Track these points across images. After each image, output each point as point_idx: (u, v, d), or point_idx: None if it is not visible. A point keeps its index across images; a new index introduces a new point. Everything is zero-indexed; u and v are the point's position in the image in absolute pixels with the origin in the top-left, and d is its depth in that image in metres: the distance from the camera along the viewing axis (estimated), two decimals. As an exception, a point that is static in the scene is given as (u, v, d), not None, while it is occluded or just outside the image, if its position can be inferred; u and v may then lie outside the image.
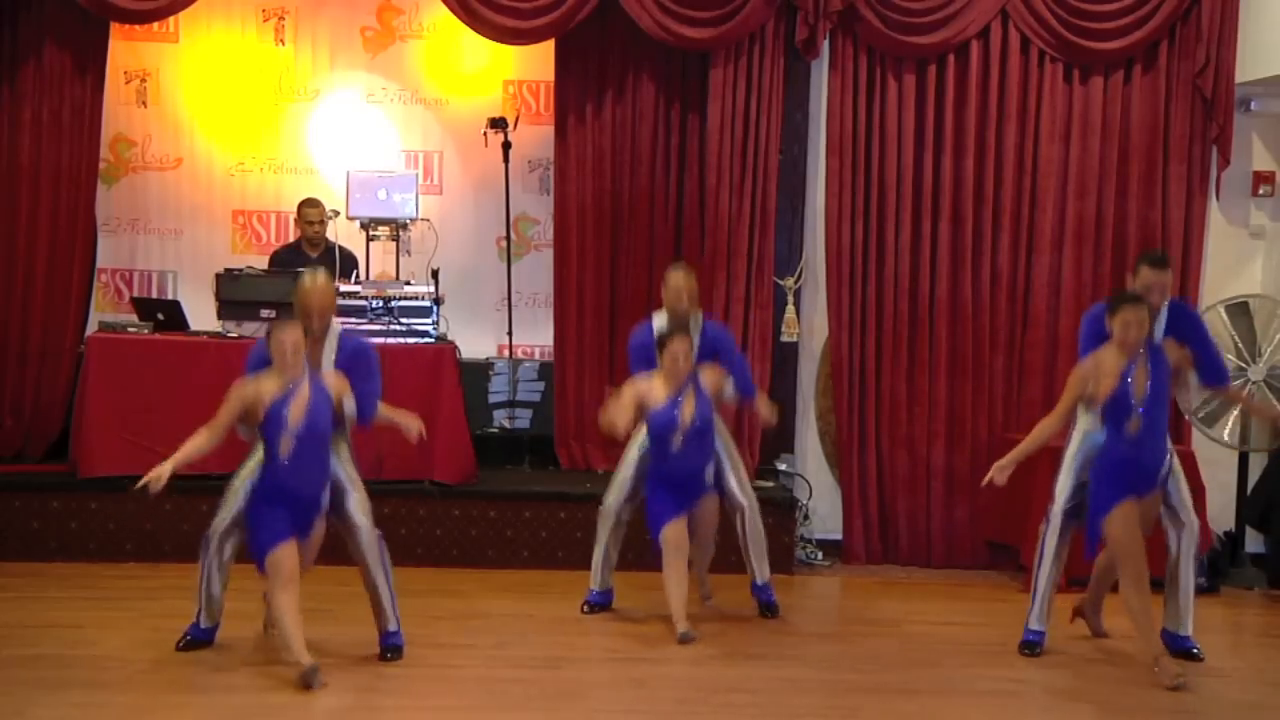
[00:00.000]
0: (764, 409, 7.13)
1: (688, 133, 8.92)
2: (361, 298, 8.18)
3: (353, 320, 7.97)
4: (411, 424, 6.21)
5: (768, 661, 6.35)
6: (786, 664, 6.34)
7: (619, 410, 6.61)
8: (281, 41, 9.41)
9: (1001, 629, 6.85)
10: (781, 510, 8.19)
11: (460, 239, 9.31)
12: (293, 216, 9.01)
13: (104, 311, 9.10)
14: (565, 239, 8.99)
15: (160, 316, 8.25)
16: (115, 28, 8.78)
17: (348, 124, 9.43)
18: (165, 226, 9.40)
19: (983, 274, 8.68)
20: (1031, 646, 6.54)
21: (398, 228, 8.67)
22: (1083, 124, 8.67)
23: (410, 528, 7.98)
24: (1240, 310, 8.25)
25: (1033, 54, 8.64)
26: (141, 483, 5.63)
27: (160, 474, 5.62)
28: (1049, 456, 6.77)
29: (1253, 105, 8.78)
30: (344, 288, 8.10)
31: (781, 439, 8.80)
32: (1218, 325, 8.04)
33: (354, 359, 6.14)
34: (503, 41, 8.81)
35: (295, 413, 5.74)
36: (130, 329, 8.13)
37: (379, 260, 8.93)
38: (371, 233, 8.70)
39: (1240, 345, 8.18)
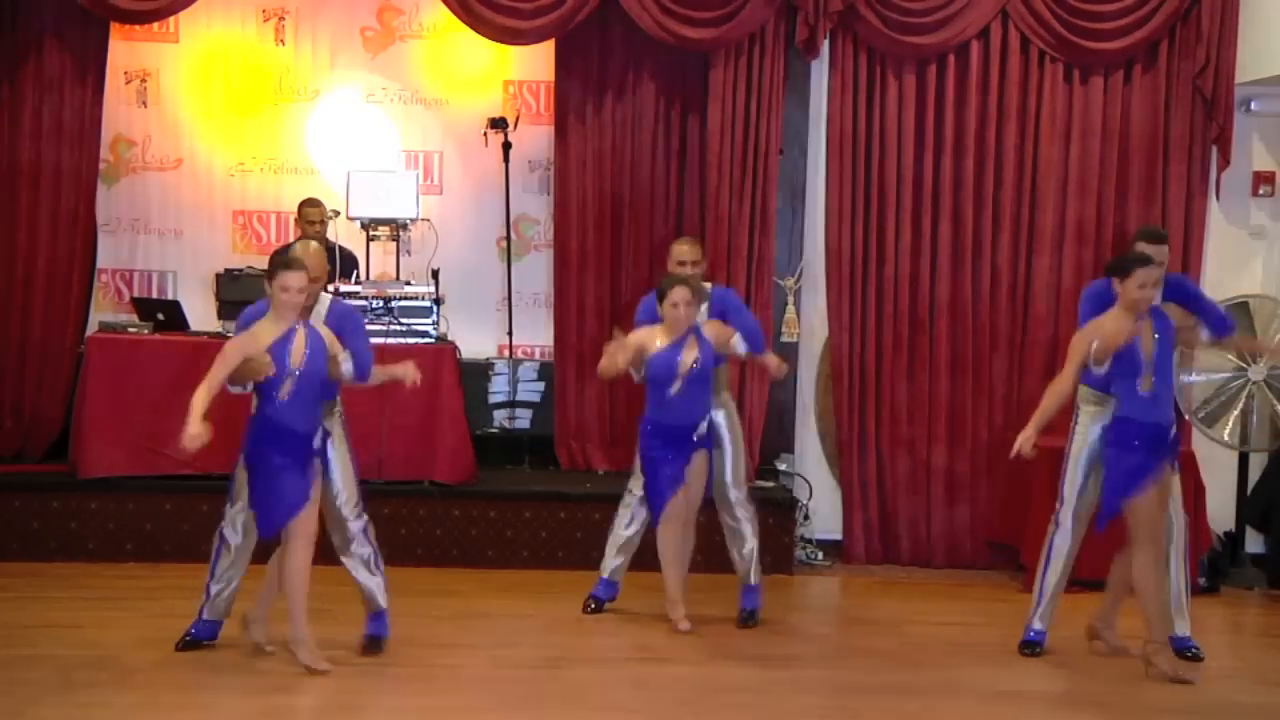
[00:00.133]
0: (772, 361, 7.03)
1: (688, 133, 8.93)
2: (362, 298, 8.17)
3: (353, 320, 7.97)
4: (408, 373, 6.23)
5: (768, 661, 6.35)
6: (786, 664, 6.35)
7: (619, 347, 6.60)
8: (281, 41, 9.41)
9: (1001, 629, 6.85)
10: (781, 510, 8.19)
11: (460, 239, 9.30)
12: (293, 217, 9.00)
13: (104, 311, 9.09)
14: (565, 239, 8.99)
15: (160, 316, 8.25)
16: (115, 28, 8.78)
17: (348, 124, 9.42)
18: (165, 227, 9.38)
19: (983, 274, 8.68)
20: (1032, 646, 6.54)
21: (398, 228, 8.67)
22: (1083, 124, 8.67)
23: (410, 528, 7.98)
24: (1240, 310, 8.24)
25: (1033, 54, 8.64)
26: (187, 446, 5.57)
27: (199, 433, 5.57)
28: (1051, 457, 6.76)
29: (1253, 105, 8.78)
30: (344, 288, 8.11)
31: (781, 439, 8.81)
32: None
33: (342, 319, 6.18)
34: (503, 41, 8.81)
35: (295, 355, 5.77)
36: (130, 329, 8.13)
37: (379, 260, 8.93)
38: (372, 233, 8.70)
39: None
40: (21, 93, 8.61)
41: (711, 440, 6.81)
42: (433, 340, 8.19)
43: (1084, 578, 6.81)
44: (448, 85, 9.49)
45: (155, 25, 9.01)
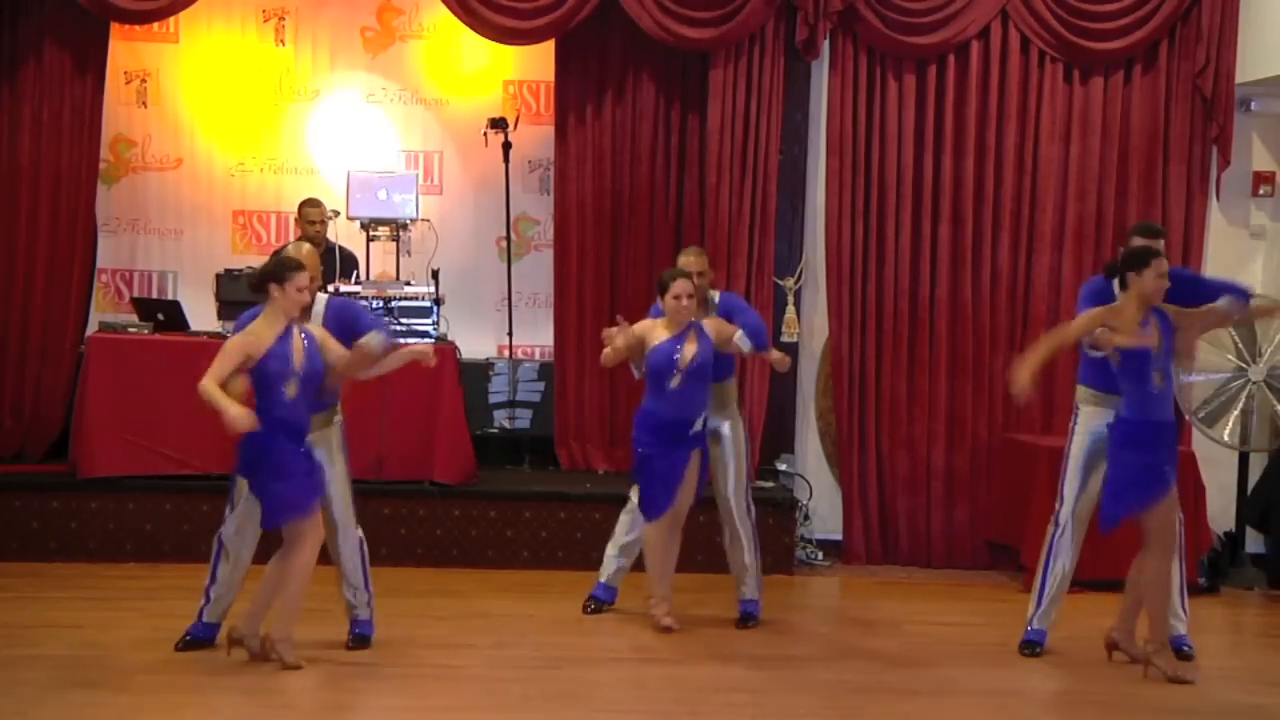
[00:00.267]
0: (775, 355, 6.93)
1: (688, 133, 8.92)
2: (362, 298, 8.17)
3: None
4: (424, 352, 6.25)
5: (768, 661, 6.35)
6: (786, 664, 6.34)
7: (619, 331, 6.59)
8: (281, 42, 9.40)
9: (1001, 629, 6.85)
10: (781, 510, 8.19)
11: (460, 239, 9.30)
12: (293, 217, 8.99)
13: (104, 311, 9.09)
14: (565, 239, 8.99)
15: (160, 316, 8.25)
16: (115, 28, 8.78)
17: (348, 124, 9.42)
18: (165, 226, 9.38)
19: (983, 274, 8.68)
20: (1032, 646, 6.53)
21: (398, 228, 8.67)
22: (1083, 124, 8.67)
23: (410, 528, 7.98)
24: (1240, 310, 8.25)
25: (1033, 54, 8.64)
26: (241, 426, 5.59)
27: (243, 411, 5.62)
28: (1050, 457, 6.76)
29: (1253, 105, 8.78)
30: (344, 288, 8.11)
31: (781, 439, 8.81)
32: (1218, 325, 8.03)
33: (342, 311, 6.21)
34: (503, 41, 8.82)
35: (297, 355, 5.79)
36: (130, 329, 8.13)
37: (379, 260, 8.93)
38: (372, 233, 8.71)
39: (1240, 345, 8.17)
40: (21, 93, 8.61)
41: (706, 439, 6.79)
42: (433, 340, 8.18)
43: (1084, 578, 6.81)
44: (448, 85, 9.49)
45: (155, 25, 9.01)
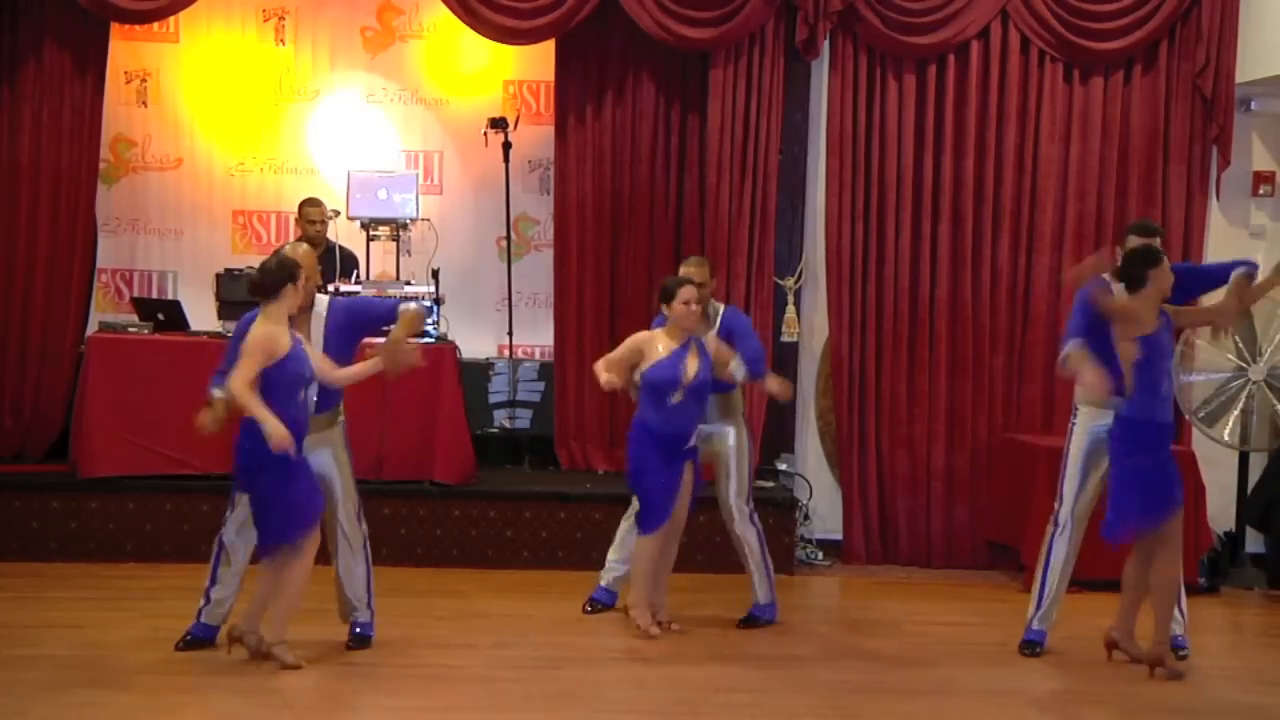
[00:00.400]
0: (773, 385, 6.90)
1: (688, 133, 8.92)
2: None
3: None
4: (415, 312, 6.18)
5: (768, 661, 6.36)
6: (786, 664, 6.34)
7: (607, 365, 6.56)
8: (281, 41, 9.40)
9: (1001, 629, 6.85)
10: (781, 510, 8.19)
11: (460, 239, 9.30)
12: (293, 216, 8.99)
13: (104, 311, 9.09)
14: (565, 239, 8.99)
15: (160, 316, 8.25)
16: (115, 28, 8.78)
17: (348, 124, 9.42)
18: (165, 226, 9.38)
19: (983, 274, 8.68)
20: (1032, 646, 6.53)
21: (398, 228, 8.68)
22: (1083, 124, 8.67)
23: (410, 528, 7.98)
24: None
25: (1033, 54, 8.65)
26: (278, 447, 5.56)
27: (288, 434, 5.59)
28: (1050, 457, 6.76)
29: (1253, 105, 8.78)
30: (344, 288, 8.11)
31: (781, 439, 8.81)
32: (1218, 325, 8.03)
33: (351, 310, 6.20)
34: (503, 41, 8.82)
35: (313, 359, 5.81)
36: (130, 329, 8.13)
37: (379, 260, 8.93)
38: (372, 233, 8.71)
39: (1240, 345, 8.17)
40: (21, 93, 8.61)
41: (698, 451, 6.76)
42: (432, 340, 8.18)
43: (1084, 578, 6.81)
44: (448, 85, 9.49)
45: (155, 25, 9.02)
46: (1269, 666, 6.83)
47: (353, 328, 6.13)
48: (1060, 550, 6.46)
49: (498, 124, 8.91)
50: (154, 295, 9.19)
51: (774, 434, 8.75)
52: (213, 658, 6.03)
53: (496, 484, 8.33)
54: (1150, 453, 6.04)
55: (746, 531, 6.94)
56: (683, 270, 6.95)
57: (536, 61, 9.25)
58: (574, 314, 8.97)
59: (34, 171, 8.61)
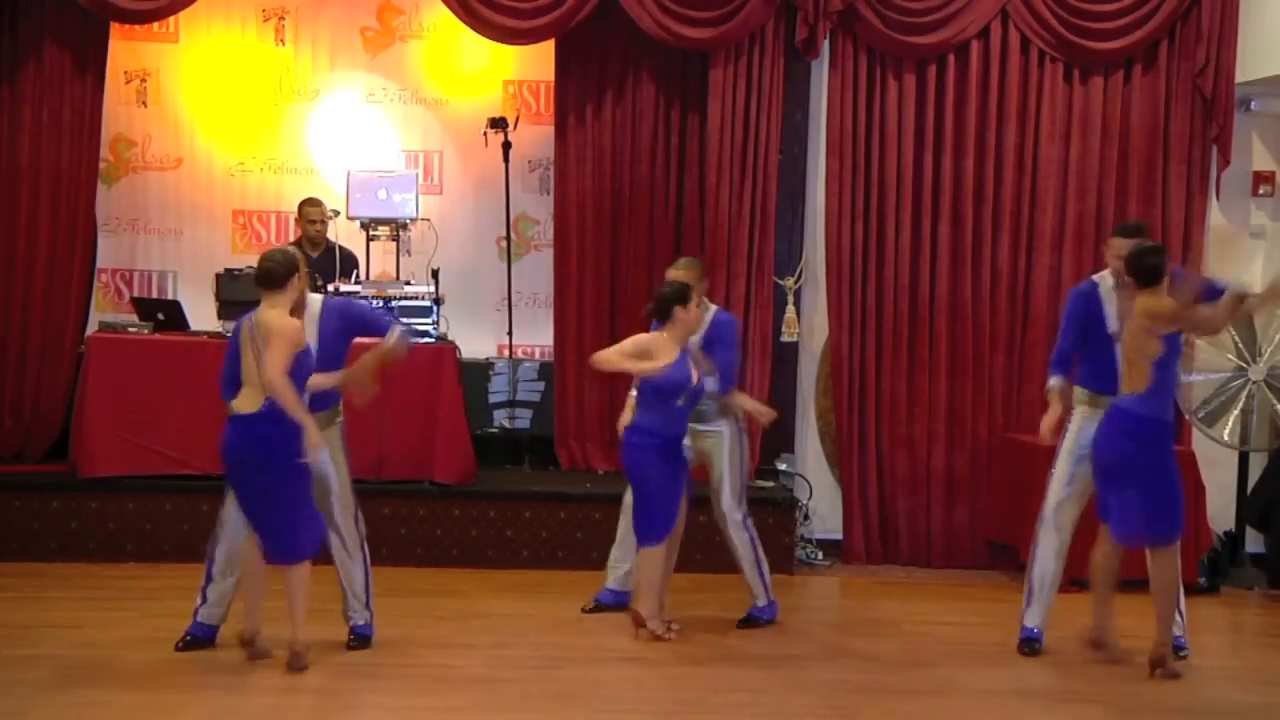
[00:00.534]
0: (749, 405, 7.00)
1: (688, 133, 8.92)
2: (362, 298, 8.16)
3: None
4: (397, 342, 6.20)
5: (768, 661, 6.36)
6: (786, 664, 6.34)
7: (626, 348, 6.56)
8: (281, 41, 9.40)
9: (1001, 629, 6.84)
10: (781, 510, 8.19)
11: (460, 239, 9.30)
12: (293, 216, 9.00)
13: (104, 311, 9.09)
14: (565, 239, 8.99)
15: (160, 316, 8.25)
16: (115, 28, 8.78)
17: (348, 124, 9.42)
18: (165, 226, 9.38)
19: (983, 274, 8.68)
20: (1031, 645, 6.53)
21: (398, 228, 8.68)
22: (1083, 124, 8.67)
23: (410, 528, 7.98)
24: (1240, 311, 8.24)
25: (1033, 54, 8.65)
26: (312, 458, 5.65)
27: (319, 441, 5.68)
28: (1050, 457, 6.73)
29: (1253, 105, 8.79)
30: (344, 287, 8.12)
31: (781, 439, 8.80)
32: (1218, 325, 8.03)
33: (344, 313, 6.19)
34: (503, 41, 8.82)
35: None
36: (130, 329, 8.13)
37: (379, 260, 8.93)
38: (372, 233, 8.71)
39: (1240, 345, 8.17)
40: (21, 93, 8.61)
41: (689, 456, 6.75)
42: (432, 340, 8.19)
43: (1084, 577, 6.80)
44: (448, 85, 9.49)
45: (155, 25, 9.02)
46: (1269, 666, 6.83)
47: (347, 332, 6.12)
48: (1048, 546, 6.47)
49: (498, 124, 8.91)
50: (154, 295, 9.19)
51: (774, 434, 8.72)
52: (213, 658, 6.04)
53: (496, 484, 8.33)
54: (1162, 453, 6.07)
55: (739, 536, 6.94)
56: (671, 273, 6.92)
57: (536, 61, 9.25)
58: (574, 314, 8.97)
59: (34, 171, 8.61)
